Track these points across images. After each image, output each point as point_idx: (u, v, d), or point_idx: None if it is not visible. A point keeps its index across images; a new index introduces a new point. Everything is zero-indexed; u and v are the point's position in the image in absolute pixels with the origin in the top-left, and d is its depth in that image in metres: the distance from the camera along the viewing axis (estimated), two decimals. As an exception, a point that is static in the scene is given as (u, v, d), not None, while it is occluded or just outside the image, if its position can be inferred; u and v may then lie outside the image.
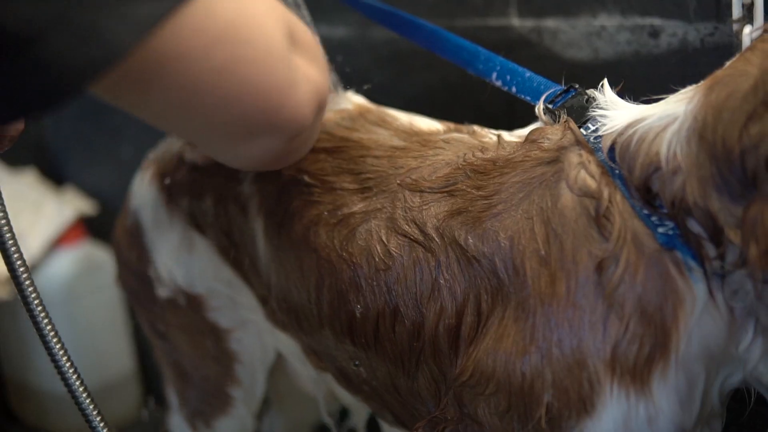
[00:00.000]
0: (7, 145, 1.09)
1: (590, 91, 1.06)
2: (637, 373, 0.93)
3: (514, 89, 1.16)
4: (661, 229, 0.93)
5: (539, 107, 1.08)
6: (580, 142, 0.99)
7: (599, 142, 0.98)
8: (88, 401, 1.14)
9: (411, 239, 1.05)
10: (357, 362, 1.14)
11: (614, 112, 1.01)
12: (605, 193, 0.95)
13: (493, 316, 0.98)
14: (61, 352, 1.14)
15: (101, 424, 1.15)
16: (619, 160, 0.96)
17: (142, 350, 2.30)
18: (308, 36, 1.00)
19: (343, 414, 1.50)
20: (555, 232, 0.95)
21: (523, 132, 1.07)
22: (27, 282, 1.10)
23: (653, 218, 0.93)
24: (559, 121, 1.04)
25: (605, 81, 1.05)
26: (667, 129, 0.93)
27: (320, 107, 0.99)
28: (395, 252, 1.06)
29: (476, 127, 1.14)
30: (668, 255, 0.93)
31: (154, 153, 1.40)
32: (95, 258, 2.20)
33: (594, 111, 1.02)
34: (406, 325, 1.05)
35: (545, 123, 1.07)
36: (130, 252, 1.40)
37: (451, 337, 1.02)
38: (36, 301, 1.11)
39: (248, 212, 1.23)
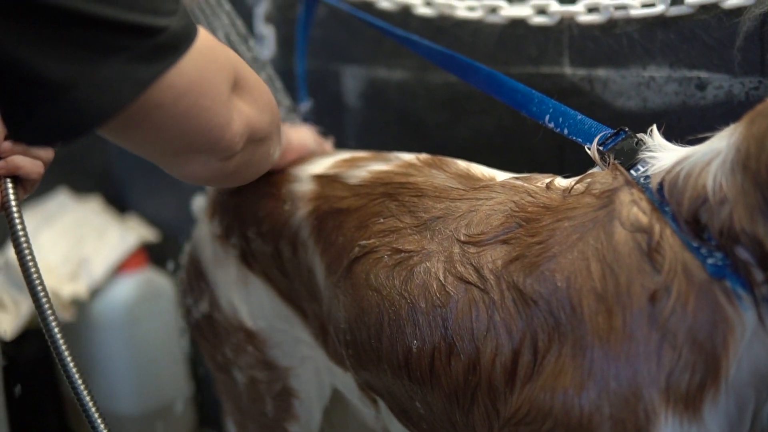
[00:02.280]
0: (30, 189, 1.23)
1: (640, 135, 1.10)
2: (689, 401, 0.96)
3: (566, 131, 1.20)
4: (710, 260, 0.96)
5: (593, 149, 1.12)
6: (630, 183, 1.03)
7: (648, 182, 1.02)
8: (102, 426, 1.17)
9: (467, 281, 1.08)
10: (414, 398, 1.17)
11: (662, 153, 1.05)
12: (656, 228, 0.99)
13: (549, 355, 1.01)
14: (79, 379, 1.17)
15: None
16: (668, 196, 1.00)
17: (198, 376, 2.34)
18: (252, 81, 1.21)
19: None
20: (610, 269, 0.99)
21: (572, 180, 1.11)
22: (48, 309, 1.15)
23: (702, 250, 0.97)
24: (608, 164, 1.08)
25: (654, 126, 1.09)
26: (711, 163, 0.97)
27: (252, 138, 1.19)
28: (452, 290, 1.09)
29: (530, 174, 1.17)
30: (718, 285, 0.96)
31: (212, 192, 1.46)
32: (155, 284, 2.26)
33: (643, 153, 1.06)
34: (462, 359, 1.08)
35: (598, 163, 1.11)
36: (192, 288, 1.45)
37: (507, 375, 1.05)
38: (56, 329, 1.16)
39: (305, 251, 1.27)
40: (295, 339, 1.36)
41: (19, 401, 2.05)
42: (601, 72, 1.41)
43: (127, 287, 2.21)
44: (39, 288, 1.15)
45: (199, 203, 1.58)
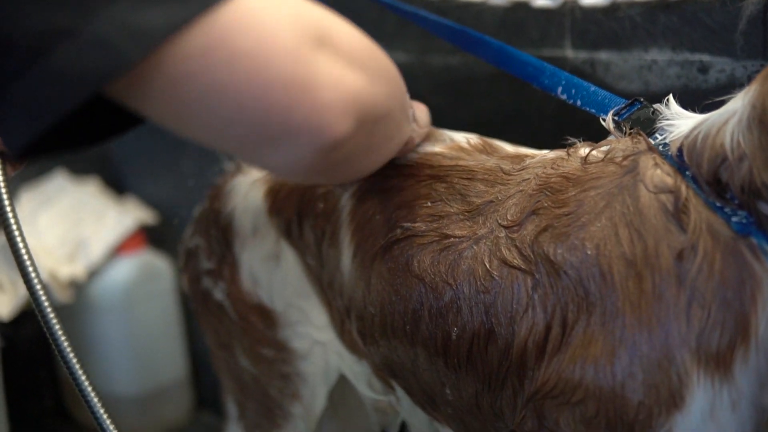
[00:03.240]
0: (19, 166, 1.15)
1: (656, 105, 1.10)
2: (720, 360, 0.96)
3: (579, 102, 1.20)
4: (734, 219, 0.97)
5: (608, 119, 1.13)
6: (651, 149, 1.04)
7: (668, 149, 1.03)
8: (102, 411, 1.15)
9: (510, 265, 1.07)
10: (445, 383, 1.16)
11: (680, 120, 1.06)
12: (682, 188, 0.99)
13: (577, 326, 1.01)
14: (74, 360, 1.15)
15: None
16: (688, 160, 1.01)
17: (195, 357, 2.35)
18: (355, 41, 0.95)
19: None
20: (638, 232, 0.99)
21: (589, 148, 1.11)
22: (39, 288, 1.13)
23: (726, 210, 0.97)
24: (626, 134, 1.09)
25: (670, 96, 1.10)
26: (728, 122, 0.98)
27: (367, 119, 0.94)
28: (496, 275, 1.08)
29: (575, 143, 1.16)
30: (743, 242, 0.96)
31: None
32: (154, 266, 2.26)
33: (660, 122, 1.08)
34: (499, 344, 1.07)
35: (614, 133, 1.11)
36: (210, 257, 1.41)
37: (537, 352, 1.04)
38: (49, 309, 1.13)
39: (340, 231, 1.25)
40: (308, 320, 1.35)
41: (17, 383, 2.06)
42: (603, 55, 1.42)
43: (125, 269, 2.21)
44: (28, 263, 1.12)
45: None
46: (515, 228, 1.08)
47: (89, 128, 0.98)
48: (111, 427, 1.15)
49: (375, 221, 1.20)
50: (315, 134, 0.87)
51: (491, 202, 1.13)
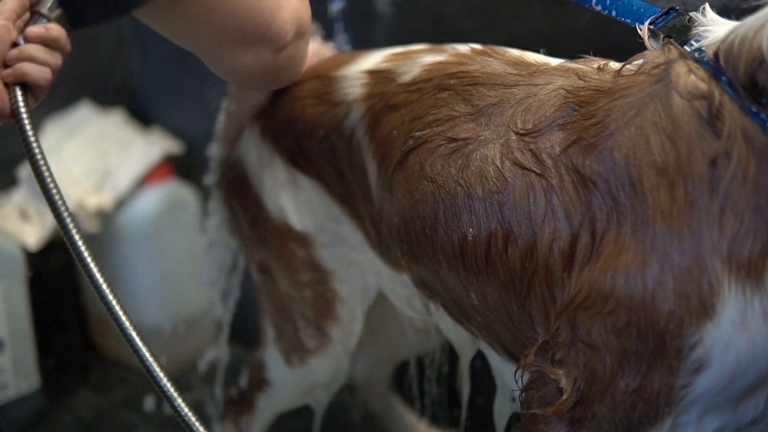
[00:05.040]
0: (40, 96, 1.18)
1: (691, 13, 1.09)
2: (752, 268, 0.95)
3: (614, 13, 1.19)
4: None
5: (644, 28, 1.12)
6: (684, 56, 1.03)
7: (703, 55, 1.02)
8: (137, 339, 1.15)
9: (524, 167, 1.07)
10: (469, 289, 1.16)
11: (716, 27, 1.05)
12: (716, 93, 0.98)
13: (608, 235, 1.01)
14: (107, 290, 1.16)
15: (153, 363, 1.15)
16: (724, 64, 0.99)
17: (223, 289, 2.33)
18: None
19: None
20: (670, 140, 0.99)
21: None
22: (68, 219, 1.14)
23: (762, 115, 0.96)
24: (660, 42, 1.08)
25: (707, 3, 1.08)
26: (765, 25, 0.97)
27: (299, 31, 1.22)
28: (509, 176, 1.08)
29: (584, 57, 1.17)
30: None
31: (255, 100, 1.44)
32: (180, 196, 2.25)
33: (696, 29, 1.06)
34: (519, 245, 1.08)
35: (649, 43, 1.10)
36: (239, 196, 1.45)
37: (565, 260, 1.05)
38: (79, 239, 1.14)
39: (360, 150, 1.27)
40: (342, 241, 1.36)
41: (43, 315, 2.06)
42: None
43: (152, 199, 2.20)
44: (54, 192, 1.13)
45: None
46: (533, 134, 1.08)
47: None
48: (147, 354, 1.15)
49: (392, 137, 1.22)
50: (277, 40, 1.19)
51: (495, 104, 1.14)
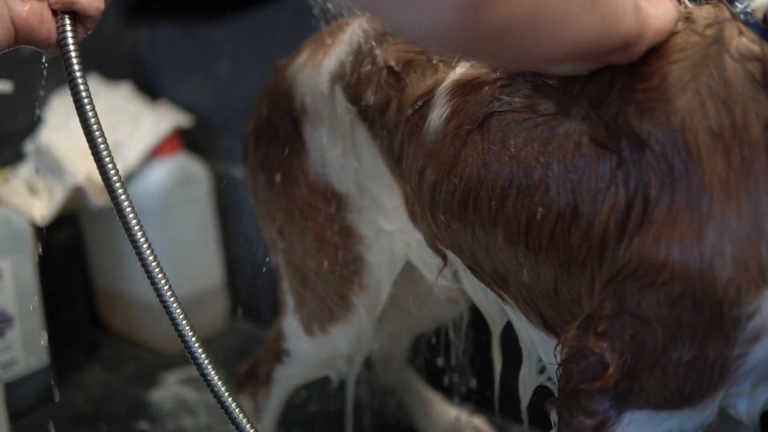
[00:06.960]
0: (90, 26, 1.14)
1: None
2: None
3: None
4: None
5: None
6: (734, 17, 1.01)
7: (751, 18, 1.00)
8: (179, 311, 1.15)
9: (599, 143, 1.04)
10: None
11: None
12: None
13: (660, 203, 0.99)
14: (154, 263, 1.15)
15: (191, 333, 1.16)
16: None
17: (231, 262, 2.33)
18: None
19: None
20: (725, 104, 0.97)
21: None
22: (120, 191, 1.13)
23: None
24: (705, 2, 1.06)
25: None
26: None
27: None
28: (585, 152, 1.05)
29: None
30: None
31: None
32: (190, 170, 2.23)
33: None
34: (581, 225, 1.05)
35: (689, 3, 1.08)
36: (274, 144, 1.40)
37: (618, 231, 1.02)
38: (130, 211, 1.14)
39: (435, 107, 1.22)
40: (377, 206, 1.33)
41: (51, 291, 2.05)
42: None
43: (161, 172, 2.18)
44: (95, 128, 1.11)
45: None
46: (604, 103, 1.05)
47: None
48: (190, 333, 1.16)
49: (479, 94, 1.17)
50: None
51: (585, 80, 1.09)
